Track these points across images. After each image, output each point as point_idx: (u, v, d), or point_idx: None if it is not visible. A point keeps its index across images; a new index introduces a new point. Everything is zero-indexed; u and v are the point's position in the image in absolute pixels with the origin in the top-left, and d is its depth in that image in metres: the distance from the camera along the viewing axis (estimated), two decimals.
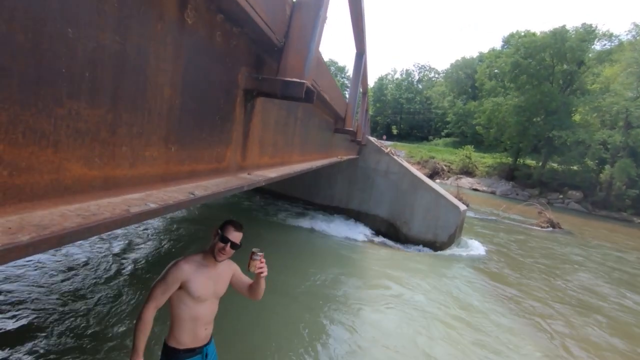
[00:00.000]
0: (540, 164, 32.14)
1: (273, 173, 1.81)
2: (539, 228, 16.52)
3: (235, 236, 1.85)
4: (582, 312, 6.56)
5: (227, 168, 1.42)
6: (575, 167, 29.62)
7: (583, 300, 7.21)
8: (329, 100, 3.00)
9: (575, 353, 5.00)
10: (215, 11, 1.11)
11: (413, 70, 65.78)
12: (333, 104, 3.34)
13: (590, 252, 12.91)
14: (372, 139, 11.56)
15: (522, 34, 38.24)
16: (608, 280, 9.23)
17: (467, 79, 52.41)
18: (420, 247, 9.78)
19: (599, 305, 7.08)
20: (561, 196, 29.37)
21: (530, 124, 31.75)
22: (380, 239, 10.14)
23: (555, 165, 31.39)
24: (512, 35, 42.82)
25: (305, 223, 9.99)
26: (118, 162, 0.81)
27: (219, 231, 1.86)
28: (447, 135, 49.92)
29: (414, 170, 10.63)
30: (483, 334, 5.04)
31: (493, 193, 31.06)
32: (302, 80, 1.39)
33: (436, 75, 64.95)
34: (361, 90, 7.05)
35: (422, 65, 66.02)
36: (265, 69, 1.61)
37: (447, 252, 9.47)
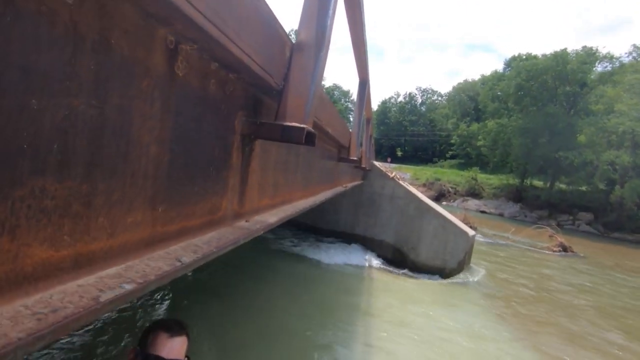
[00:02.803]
0: (548, 185, 31.79)
1: (273, 217, 1.72)
2: (550, 252, 16.08)
3: (174, 347, 1.09)
4: (601, 347, 6.20)
5: (222, 218, 1.33)
6: (584, 188, 29.23)
7: (603, 335, 6.84)
8: (332, 133, 2.95)
9: None
10: (209, 60, 1.06)
11: (416, 94, 66.71)
12: (336, 136, 3.29)
13: (606, 278, 12.46)
14: (377, 163, 11.52)
15: (524, 57, 38.80)
16: (628, 309, 8.82)
17: (470, 101, 52.92)
18: (429, 274, 9.49)
19: (621, 344, 6.69)
20: (571, 218, 28.79)
21: (535, 145, 31.64)
22: (387, 265, 9.88)
23: (563, 186, 31.01)
24: (513, 59, 43.46)
25: (309, 249, 9.81)
26: (93, 235, 0.72)
27: (139, 349, 1.10)
28: (452, 157, 49.92)
29: (419, 194, 10.50)
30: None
31: (501, 215, 30.57)
32: (302, 125, 1.32)
33: (439, 98, 65.75)
34: (365, 116, 7.05)
35: (424, 89, 66.99)
36: (264, 111, 1.55)
37: (457, 279, 9.17)
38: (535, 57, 35.66)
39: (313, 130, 1.41)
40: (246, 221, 1.51)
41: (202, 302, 5.64)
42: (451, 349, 5.15)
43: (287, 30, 1.47)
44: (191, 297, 5.82)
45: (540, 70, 31.44)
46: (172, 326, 1.13)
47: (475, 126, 44.28)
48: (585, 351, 5.90)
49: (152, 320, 0.86)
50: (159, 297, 5.62)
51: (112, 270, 0.75)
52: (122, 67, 0.73)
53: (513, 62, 41.36)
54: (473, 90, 53.12)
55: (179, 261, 0.89)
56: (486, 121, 39.27)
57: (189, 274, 6.57)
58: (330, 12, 1.48)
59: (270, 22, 1.23)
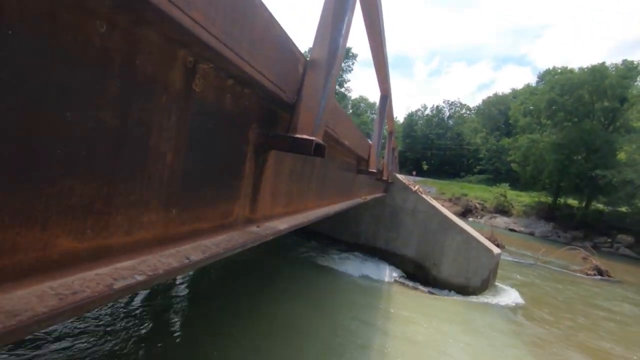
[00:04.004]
0: (584, 204, 30.17)
1: (284, 224, 1.79)
2: (584, 275, 15.19)
3: None
4: None
5: (234, 223, 1.42)
6: (623, 209, 27.50)
7: None
8: (349, 145, 3.01)
9: None
10: (225, 77, 1.16)
11: (443, 107, 65.71)
12: (353, 147, 3.35)
13: None
14: (400, 176, 11.42)
15: (559, 70, 37.51)
16: None
17: (500, 115, 51.51)
18: (451, 292, 9.22)
19: None
20: (609, 240, 27.09)
21: (570, 162, 30.24)
22: (408, 280, 9.70)
23: (600, 206, 29.33)
24: (547, 72, 42.10)
25: (330, 260, 9.80)
26: (112, 231, 0.82)
27: None
28: (480, 172, 48.51)
29: (443, 209, 10.29)
30: None
31: (531, 234, 29.25)
32: (311, 138, 1.39)
33: (467, 112, 64.43)
34: (387, 129, 7.07)
35: (452, 102, 65.92)
36: (280, 122, 1.63)
37: (480, 298, 8.86)
38: (570, 70, 34.39)
39: (322, 142, 1.48)
40: (257, 227, 1.59)
41: (221, 306, 5.78)
42: None
43: (306, 47, 1.56)
44: (210, 303, 5.97)
45: (576, 85, 30.23)
46: None
47: (505, 141, 42.95)
48: None
49: None
50: (182, 296, 5.81)
51: (127, 263, 0.85)
52: (144, 84, 0.84)
53: (547, 76, 40.02)
54: (504, 104, 51.74)
55: (187, 259, 0.98)
56: (517, 136, 38.01)
57: (208, 285, 6.74)
58: (343, 32, 1.56)
59: (283, 42, 1.33)
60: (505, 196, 33.91)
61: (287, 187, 1.99)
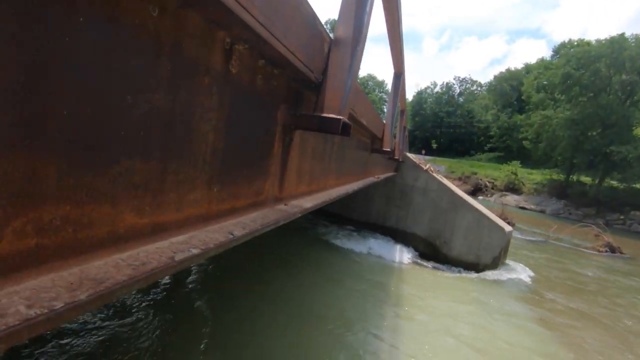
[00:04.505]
0: (597, 181, 29.68)
1: (309, 202, 1.84)
2: (595, 252, 15.15)
3: None
4: None
5: (264, 201, 1.46)
6: (638, 186, 27.03)
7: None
8: (366, 124, 3.01)
9: None
10: (258, 57, 1.18)
11: (454, 84, 64.18)
12: (370, 127, 3.35)
13: None
14: (411, 155, 11.36)
15: (575, 43, 36.09)
16: None
17: (513, 92, 50.19)
18: (461, 269, 9.32)
19: None
20: (622, 217, 26.78)
21: (585, 138, 29.55)
22: (418, 258, 9.81)
23: (614, 182, 28.84)
24: (563, 45, 40.58)
25: (341, 240, 9.94)
26: (165, 208, 0.87)
27: None
28: (491, 150, 47.81)
29: (453, 187, 10.26)
30: None
31: (542, 212, 29.05)
32: (338, 117, 1.41)
33: (478, 89, 62.89)
34: (399, 108, 7.00)
35: (462, 79, 64.29)
36: (304, 103, 1.65)
37: (491, 275, 8.94)
38: (588, 43, 33.06)
39: (348, 121, 1.50)
40: (285, 204, 1.64)
41: (240, 284, 5.97)
42: (476, 346, 5.08)
43: (324, 19, 1.55)
44: (231, 278, 6.16)
45: (593, 58, 29.11)
46: None
47: (517, 117, 42.05)
48: (626, 350, 5.60)
49: None
50: (207, 274, 6.00)
51: (180, 238, 0.90)
52: (189, 67, 0.87)
53: (562, 49, 38.61)
54: (516, 79, 50.27)
55: (231, 234, 1.03)
56: (530, 113, 37.14)
57: (226, 258, 6.93)
58: (368, 8, 1.55)
59: (311, 20, 1.33)
60: (516, 174, 33.49)
61: (310, 166, 2.02)
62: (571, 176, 31.76)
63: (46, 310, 0.50)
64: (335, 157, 2.60)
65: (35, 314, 0.49)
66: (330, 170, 2.50)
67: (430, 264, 9.44)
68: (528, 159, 36.83)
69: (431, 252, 10.04)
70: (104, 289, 0.59)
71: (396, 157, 6.75)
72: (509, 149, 43.58)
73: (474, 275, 8.95)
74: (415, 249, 10.27)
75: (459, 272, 9.13)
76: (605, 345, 5.93)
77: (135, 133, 0.73)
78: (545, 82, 36.55)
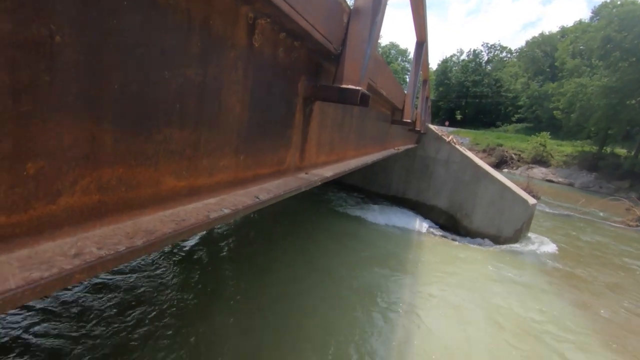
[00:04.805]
0: (633, 153, 28.14)
1: (329, 172, 1.92)
2: (625, 226, 14.66)
3: None
4: None
5: (287, 169, 1.55)
6: None
7: None
8: (386, 95, 3.01)
9: None
10: (279, 31, 1.22)
11: (481, 51, 60.83)
12: (390, 98, 3.33)
13: None
14: (433, 126, 11.12)
15: (618, 2, 33.09)
16: None
17: (546, 58, 47.19)
18: (481, 241, 9.32)
19: None
20: None
21: (622, 108, 27.76)
22: (438, 230, 9.85)
23: None
24: (604, 5, 37.32)
25: (360, 212, 10.07)
26: (199, 173, 0.97)
27: None
28: (518, 121, 45.80)
29: (477, 159, 10.05)
30: (547, 346, 4.68)
31: (571, 185, 28.06)
32: (357, 88, 1.45)
33: (508, 55, 59.46)
34: (421, 78, 6.81)
35: (491, 45, 60.77)
36: (323, 74, 1.69)
37: (512, 247, 8.90)
38: (633, 2, 30.25)
39: (367, 92, 1.54)
40: (306, 173, 1.72)
41: (264, 250, 6.26)
42: (500, 323, 5.16)
43: None
44: (255, 244, 6.46)
45: (638, 18, 26.74)
46: None
47: (549, 86, 39.76)
48: None
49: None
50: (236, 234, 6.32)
51: (212, 200, 1.01)
52: (216, 42, 0.93)
53: (603, 10, 35.54)
54: (550, 44, 47.05)
55: (257, 198, 1.13)
56: (563, 80, 35.01)
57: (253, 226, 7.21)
58: None
59: None
60: (544, 145, 32.16)
61: (329, 137, 2.08)
62: (605, 148, 30.22)
63: (112, 252, 0.62)
64: (354, 128, 2.64)
65: (104, 254, 0.60)
66: (349, 141, 2.55)
67: (449, 236, 9.47)
68: (558, 131, 35.19)
69: (451, 224, 10.04)
70: (154, 238, 0.70)
71: (417, 129, 6.65)
72: (538, 119, 41.62)
73: (494, 247, 8.94)
74: (435, 222, 10.29)
75: (479, 244, 9.13)
76: (627, 319, 5.91)
77: (172, 105, 0.82)
78: (582, 47, 34.12)
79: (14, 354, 3.18)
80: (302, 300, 4.82)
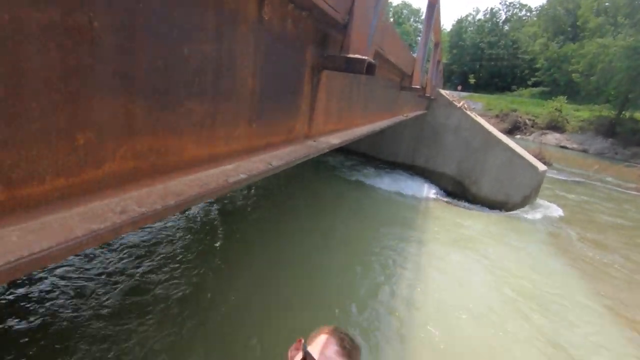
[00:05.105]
0: None
1: (336, 139, 1.99)
2: (638, 193, 14.52)
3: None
4: None
5: (296, 137, 1.64)
6: None
7: None
8: (394, 61, 2.99)
9: None
10: (287, 2, 1.26)
11: (499, 9, 57.52)
12: (399, 64, 3.31)
13: None
14: (444, 92, 10.89)
15: None
16: None
17: (567, 16, 44.47)
18: (489, 207, 9.41)
19: None
20: None
21: None
22: (446, 197, 9.95)
23: None
24: None
25: (368, 179, 10.17)
26: (217, 141, 1.07)
27: (305, 344, 0.93)
28: (535, 85, 44.08)
29: (488, 126, 9.92)
30: (551, 313, 4.82)
31: (585, 151, 27.49)
32: (363, 57, 1.49)
33: (527, 14, 56.17)
34: (433, 41, 6.62)
35: (510, 2, 57.30)
36: (331, 44, 1.72)
37: (519, 214, 9.00)
38: None
39: (374, 61, 1.58)
40: (314, 141, 1.80)
41: (276, 215, 6.48)
42: (503, 286, 5.33)
43: None
44: (271, 209, 6.69)
45: None
46: (347, 346, 0.92)
47: (569, 47, 37.83)
48: None
49: (332, 324, 0.76)
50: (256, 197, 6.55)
51: (229, 166, 1.11)
52: (229, 18, 0.99)
53: None
54: (573, 1, 44.19)
55: (270, 164, 1.23)
56: (584, 41, 33.23)
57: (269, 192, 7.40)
58: None
59: None
60: (560, 110, 31.17)
61: (337, 105, 2.14)
62: (623, 113, 29.18)
63: (151, 209, 0.73)
64: (362, 96, 2.67)
65: (145, 211, 0.71)
66: (356, 109, 2.60)
67: (457, 203, 9.58)
68: (575, 95, 33.88)
69: (459, 191, 10.11)
70: (183, 199, 0.81)
71: (427, 95, 6.56)
72: (555, 82, 39.97)
73: (501, 213, 9.04)
74: (444, 188, 10.36)
75: (487, 210, 9.24)
76: (630, 284, 6.06)
77: (192, 79, 0.90)
78: (607, 4, 32.00)
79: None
80: (314, 259, 5.07)
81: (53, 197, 0.62)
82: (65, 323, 3.32)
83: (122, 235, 0.65)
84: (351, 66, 1.52)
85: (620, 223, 9.69)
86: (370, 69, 1.55)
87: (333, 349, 0.90)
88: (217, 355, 3.26)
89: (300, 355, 0.90)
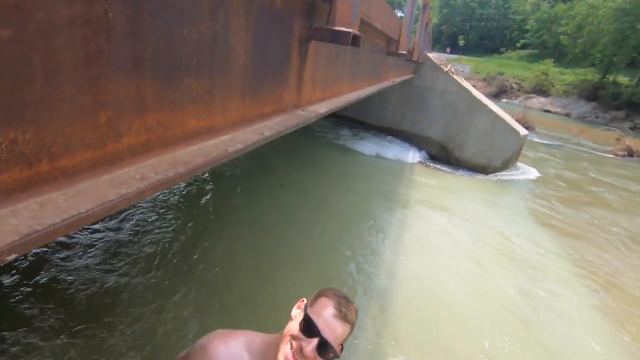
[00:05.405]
0: (635, 81, 27.61)
1: (323, 108, 2.09)
2: (612, 156, 15.12)
3: (334, 329, 0.95)
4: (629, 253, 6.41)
5: (285, 107, 1.73)
6: None
7: (629, 241, 6.86)
8: (380, 28, 3.02)
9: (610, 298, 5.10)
10: None
11: None
12: (385, 30, 3.33)
13: None
14: (432, 55, 10.81)
15: None
16: None
17: None
18: (471, 171, 9.74)
19: None
20: None
21: (632, 32, 26.51)
22: (430, 161, 10.21)
23: None
24: None
25: (355, 144, 10.29)
26: (214, 114, 1.17)
27: (306, 305, 1.02)
28: (523, 47, 43.70)
29: (473, 90, 10.01)
30: (527, 265, 5.22)
31: (567, 115, 28.05)
32: (348, 30, 1.57)
33: None
34: (421, 2, 6.50)
35: None
36: (318, 14, 1.77)
37: (499, 177, 9.38)
38: None
39: (359, 33, 1.65)
40: (302, 110, 1.90)
41: (270, 179, 6.62)
42: (478, 241, 5.72)
43: None
44: (260, 175, 6.81)
45: None
46: (343, 310, 0.97)
47: (559, 7, 37.25)
48: (609, 247, 6.25)
49: (329, 286, 1.00)
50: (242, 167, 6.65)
51: (226, 137, 1.22)
52: None
53: None
54: None
55: (262, 134, 1.34)
56: (575, 1, 32.70)
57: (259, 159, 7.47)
58: None
59: None
60: (546, 74, 31.31)
61: (324, 74, 2.21)
62: (607, 76, 29.51)
63: (165, 176, 0.85)
64: (348, 64, 2.73)
65: (161, 177, 0.84)
66: (343, 77, 2.67)
67: (440, 166, 9.87)
68: (563, 58, 33.89)
69: (444, 155, 10.37)
70: (190, 167, 0.94)
71: (414, 59, 6.55)
72: (543, 45, 39.71)
73: (482, 177, 9.40)
74: (429, 153, 10.60)
75: (469, 173, 9.57)
76: (589, 239, 6.56)
77: (191, 58, 0.99)
78: None
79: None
80: (299, 224, 5.30)
81: (84, 167, 0.74)
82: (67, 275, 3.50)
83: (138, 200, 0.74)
84: (337, 38, 1.60)
85: (590, 185, 10.21)
86: (355, 41, 1.63)
87: (331, 312, 0.96)
88: (199, 291, 3.54)
89: (301, 314, 0.97)
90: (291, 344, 0.93)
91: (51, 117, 0.65)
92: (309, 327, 0.93)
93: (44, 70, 0.62)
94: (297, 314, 1.01)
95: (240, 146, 1.16)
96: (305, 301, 1.03)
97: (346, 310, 0.98)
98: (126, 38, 0.76)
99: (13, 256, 0.54)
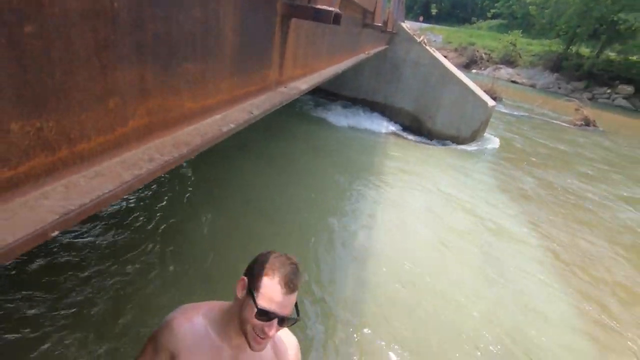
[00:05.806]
0: (596, 53, 28.81)
1: (304, 84, 2.14)
2: (571, 126, 16.03)
3: (288, 305, 0.98)
4: (576, 214, 7.05)
5: (269, 85, 1.78)
6: (634, 58, 26.51)
7: (580, 202, 7.54)
8: (357, 1, 3.03)
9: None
10: None
11: None
12: (361, 2, 3.34)
13: (621, 152, 12.76)
14: (406, 25, 10.78)
15: None
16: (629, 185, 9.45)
17: None
18: (442, 141, 10.09)
19: (602, 213, 7.41)
20: (609, 91, 27.17)
21: (595, 4, 27.33)
22: (402, 132, 10.46)
23: (612, 55, 28.11)
24: None
25: (330, 115, 10.32)
26: (208, 95, 1.22)
27: (250, 288, 1.00)
28: (494, 17, 44.13)
29: (445, 61, 10.17)
30: (486, 229, 5.66)
31: (533, 86, 29.06)
32: (330, 9, 1.61)
33: None
34: None
35: None
36: None
37: (467, 147, 9.80)
38: None
39: (339, 11, 1.70)
40: (285, 87, 1.95)
41: (244, 154, 6.60)
42: (442, 206, 6.10)
43: None
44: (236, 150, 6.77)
45: None
46: (290, 284, 0.97)
47: None
48: (558, 209, 6.84)
49: (267, 252, 0.95)
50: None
51: (218, 117, 1.27)
52: None
53: None
54: None
55: (251, 113, 1.40)
56: None
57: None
58: None
59: None
60: (514, 45, 32.00)
61: (304, 50, 2.24)
62: (570, 48, 30.56)
63: (171, 157, 0.92)
64: (327, 39, 2.75)
65: (167, 158, 0.90)
66: (322, 53, 2.70)
67: (412, 137, 10.15)
68: (531, 28, 34.59)
69: (416, 126, 10.63)
70: (192, 147, 1.00)
71: (389, 29, 6.55)
72: (513, 15, 40.25)
73: (451, 147, 9.78)
74: (401, 124, 10.82)
75: (439, 144, 9.92)
76: (546, 202, 7.12)
77: (186, 44, 1.03)
78: None
79: None
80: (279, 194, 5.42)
81: (97, 151, 0.80)
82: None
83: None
84: (319, 17, 1.64)
85: (547, 152, 10.90)
86: (337, 19, 1.68)
87: (280, 292, 0.95)
88: (184, 265, 3.65)
89: (253, 307, 0.96)
90: (254, 331, 0.98)
91: (69, 106, 0.70)
92: (265, 315, 0.95)
93: (62, 62, 0.66)
94: (243, 295, 1.01)
95: (232, 126, 1.23)
96: (246, 280, 1.02)
97: (292, 280, 0.97)
98: (130, 27, 0.80)
99: (56, 232, 0.61)
